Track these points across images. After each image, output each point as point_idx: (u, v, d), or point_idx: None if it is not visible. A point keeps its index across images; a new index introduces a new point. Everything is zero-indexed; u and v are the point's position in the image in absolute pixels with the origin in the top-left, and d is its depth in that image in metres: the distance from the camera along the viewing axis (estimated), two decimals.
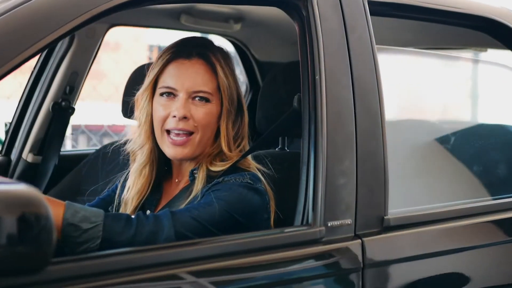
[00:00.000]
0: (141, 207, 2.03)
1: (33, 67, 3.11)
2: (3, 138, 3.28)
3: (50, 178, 3.08)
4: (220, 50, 2.02)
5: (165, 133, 1.94)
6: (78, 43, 3.04)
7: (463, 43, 3.31)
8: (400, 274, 1.90)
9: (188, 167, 2.01)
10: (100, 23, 3.03)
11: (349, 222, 1.80)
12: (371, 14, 1.95)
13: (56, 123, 3.14)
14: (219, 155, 1.98)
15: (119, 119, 2.76)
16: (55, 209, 1.61)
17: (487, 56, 3.58)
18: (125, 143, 2.11)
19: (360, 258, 1.79)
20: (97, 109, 7.06)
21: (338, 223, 1.77)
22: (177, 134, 1.92)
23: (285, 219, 1.92)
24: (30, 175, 3.11)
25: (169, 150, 1.95)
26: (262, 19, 3.16)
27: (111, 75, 8.74)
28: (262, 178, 1.95)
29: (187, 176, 2.00)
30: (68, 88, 3.10)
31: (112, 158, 2.75)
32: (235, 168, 1.95)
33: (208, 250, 1.61)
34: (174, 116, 1.92)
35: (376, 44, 1.92)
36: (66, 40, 3.02)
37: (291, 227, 1.81)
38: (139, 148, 2.03)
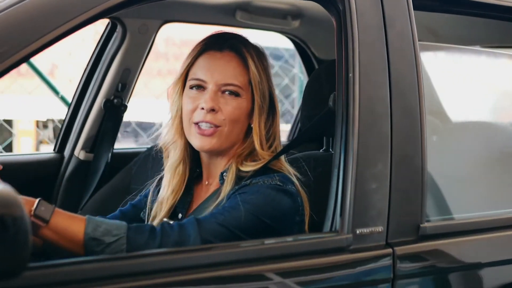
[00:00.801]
0: (173, 210, 1.99)
1: (86, 64, 3.10)
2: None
3: (102, 176, 3.07)
4: (254, 46, 1.96)
5: (193, 125, 1.89)
6: (130, 39, 3.00)
7: None
8: (435, 287, 1.79)
9: (218, 168, 1.95)
10: (153, 19, 3.00)
11: (380, 230, 1.69)
12: (414, 9, 1.85)
13: (108, 121, 3.12)
14: (251, 156, 1.92)
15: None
16: (76, 225, 1.62)
17: None
18: None
19: (390, 268, 1.69)
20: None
21: (368, 230, 1.67)
22: (205, 125, 1.87)
23: (322, 223, 1.82)
24: (82, 172, 3.11)
25: (196, 141, 1.89)
26: (322, 15, 3.06)
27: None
28: (294, 179, 1.87)
29: (218, 179, 1.94)
30: (120, 85, 3.08)
31: (161, 157, 2.71)
32: (265, 170, 1.88)
33: (223, 256, 1.54)
34: (202, 108, 1.87)
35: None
36: (119, 36, 2.99)
37: (317, 233, 1.73)
38: (172, 143, 1.99)
